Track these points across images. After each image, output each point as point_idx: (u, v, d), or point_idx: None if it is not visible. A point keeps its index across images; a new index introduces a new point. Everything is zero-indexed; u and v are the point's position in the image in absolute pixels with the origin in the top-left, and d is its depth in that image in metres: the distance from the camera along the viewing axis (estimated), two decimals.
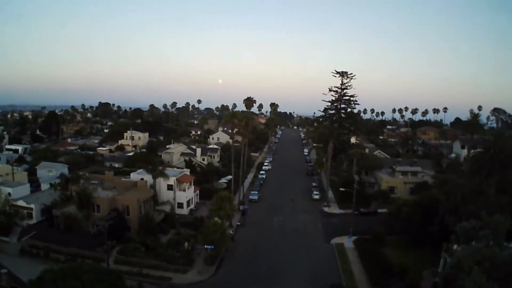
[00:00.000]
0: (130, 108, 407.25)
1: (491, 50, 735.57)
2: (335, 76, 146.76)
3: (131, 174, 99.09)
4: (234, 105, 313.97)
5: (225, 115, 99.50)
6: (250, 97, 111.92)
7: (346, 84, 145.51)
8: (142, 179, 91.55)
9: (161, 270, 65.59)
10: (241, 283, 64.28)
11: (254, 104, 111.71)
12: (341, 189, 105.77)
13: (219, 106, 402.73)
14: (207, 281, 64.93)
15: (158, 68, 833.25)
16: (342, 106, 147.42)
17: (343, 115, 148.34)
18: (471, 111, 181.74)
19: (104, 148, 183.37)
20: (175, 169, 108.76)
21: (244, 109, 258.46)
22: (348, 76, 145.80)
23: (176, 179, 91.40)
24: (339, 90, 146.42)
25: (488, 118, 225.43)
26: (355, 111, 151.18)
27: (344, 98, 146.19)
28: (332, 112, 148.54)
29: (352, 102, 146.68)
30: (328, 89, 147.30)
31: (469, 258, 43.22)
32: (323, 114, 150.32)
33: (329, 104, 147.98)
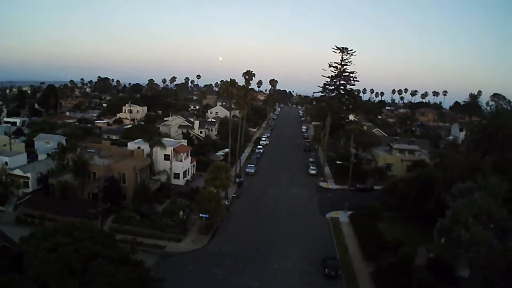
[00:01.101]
0: (130, 83, 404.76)
1: (495, 37, 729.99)
2: (335, 52, 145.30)
3: (128, 143, 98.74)
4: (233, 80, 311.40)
5: (223, 84, 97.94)
6: (249, 70, 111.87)
7: (346, 60, 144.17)
8: (139, 147, 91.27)
9: (155, 239, 65.64)
10: (235, 253, 64.36)
11: (253, 78, 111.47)
12: (337, 162, 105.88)
13: (219, 82, 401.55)
14: (200, 250, 65.14)
15: (158, 44, 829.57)
16: (342, 82, 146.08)
17: (342, 92, 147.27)
18: (471, 94, 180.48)
19: (102, 121, 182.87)
20: (173, 139, 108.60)
21: (244, 84, 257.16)
22: (349, 52, 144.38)
23: (173, 148, 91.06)
24: (339, 66, 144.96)
25: (487, 103, 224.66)
26: (355, 88, 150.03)
27: (343, 74, 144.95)
28: (331, 88, 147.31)
29: (351, 79, 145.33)
30: (328, 65, 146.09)
31: (466, 210, 42.92)
32: (322, 90, 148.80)
33: (329, 80, 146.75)
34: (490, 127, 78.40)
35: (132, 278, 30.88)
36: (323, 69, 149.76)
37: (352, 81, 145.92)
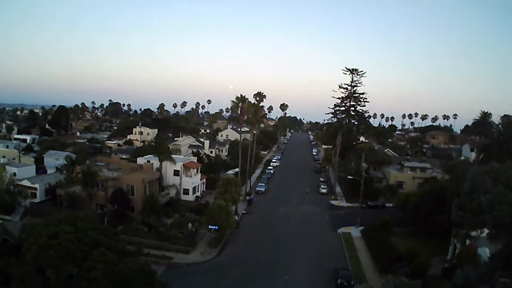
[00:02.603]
0: (140, 109, 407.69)
1: (507, 62, 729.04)
2: (345, 73, 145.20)
3: (137, 158, 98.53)
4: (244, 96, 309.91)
5: (234, 101, 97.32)
6: (260, 92, 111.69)
7: (356, 82, 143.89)
8: (148, 161, 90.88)
9: (163, 250, 64.62)
10: (244, 265, 63.14)
11: (264, 99, 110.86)
12: (349, 177, 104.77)
13: (229, 107, 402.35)
14: (209, 262, 64.05)
15: (169, 70, 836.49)
16: (352, 103, 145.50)
17: (352, 113, 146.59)
18: (482, 111, 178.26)
19: (112, 142, 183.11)
20: (182, 157, 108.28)
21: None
22: (358, 73, 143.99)
23: (183, 164, 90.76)
24: (349, 88, 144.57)
25: (498, 124, 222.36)
26: (365, 109, 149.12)
27: (354, 95, 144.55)
28: (341, 109, 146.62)
29: (361, 100, 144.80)
30: (338, 86, 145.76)
31: (484, 176, 41.29)
32: (333, 111, 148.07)
33: (339, 101, 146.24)
34: (501, 137, 77.32)
35: (134, 269, 29.92)
36: (333, 91, 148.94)
37: (362, 102, 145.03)
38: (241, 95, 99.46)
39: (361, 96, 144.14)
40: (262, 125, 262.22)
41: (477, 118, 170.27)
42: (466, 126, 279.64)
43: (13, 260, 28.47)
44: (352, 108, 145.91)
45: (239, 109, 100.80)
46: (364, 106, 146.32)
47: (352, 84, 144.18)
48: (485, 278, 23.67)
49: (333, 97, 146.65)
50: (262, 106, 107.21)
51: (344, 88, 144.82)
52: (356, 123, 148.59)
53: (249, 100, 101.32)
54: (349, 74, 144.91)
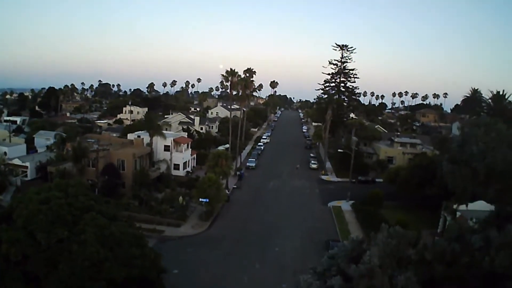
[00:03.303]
0: (130, 89, 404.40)
1: (496, 40, 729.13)
2: (335, 50, 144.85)
3: (128, 134, 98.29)
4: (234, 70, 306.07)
5: (224, 75, 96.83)
6: (250, 68, 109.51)
7: (346, 58, 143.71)
8: (138, 136, 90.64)
9: (154, 224, 64.73)
10: (235, 238, 63.65)
11: (254, 75, 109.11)
12: (339, 150, 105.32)
13: (219, 86, 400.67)
14: (200, 235, 64.49)
15: (159, 50, 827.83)
16: (342, 79, 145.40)
17: (342, 89, 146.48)
18: (472, 88, 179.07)
19: (102, 121, 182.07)
20: (173, 132, 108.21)
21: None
22: (348, 49, 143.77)
23: (173, 139, 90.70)
24: (338, 64, 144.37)
25: (488, 99, 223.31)
26: (355, 85, 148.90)
27: (344, 71, 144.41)
28: (332, 85, 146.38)
29: (352, 76, 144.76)
30: (328, 62, 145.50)
31: (476, 129, 41.43)
32: (323, 86, 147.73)
33: (329, 77, 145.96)
34: (491, 111, 77.67)
35: (125, 232, 30.09)
36: (323, 67, 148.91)
37: (353, 78, 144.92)
38: (231, 68, 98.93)
39: (351, 72, 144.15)
40: (252, 103, 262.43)
41: (468, 95, 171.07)
42: (456, 105, 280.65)
43: (3, 227, 28.50)
44: (342, 84, 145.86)
45: (229, 83, 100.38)
46: (354, 82, 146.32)
47: (342, 60, 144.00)
48: (478, 231, 24.07)
49: (323, 73, 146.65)
50: (252, 81, 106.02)
51: (334, 64, 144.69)
52: (346, 99, 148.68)
53: (239, 74, 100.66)
54: (339, 50, 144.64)
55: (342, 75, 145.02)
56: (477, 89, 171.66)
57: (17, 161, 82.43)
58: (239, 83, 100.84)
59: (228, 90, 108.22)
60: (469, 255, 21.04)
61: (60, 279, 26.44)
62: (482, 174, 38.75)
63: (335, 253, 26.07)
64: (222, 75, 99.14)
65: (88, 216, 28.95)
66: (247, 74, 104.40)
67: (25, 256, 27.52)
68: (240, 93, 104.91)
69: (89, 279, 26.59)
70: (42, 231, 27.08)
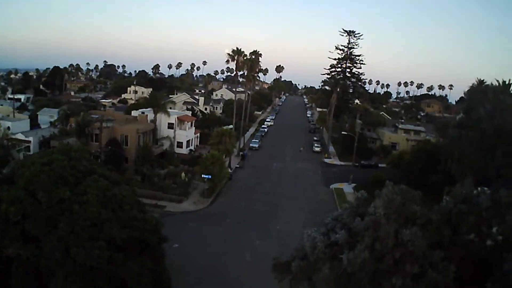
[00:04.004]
0: (135, 71, 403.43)
1: (503, 32, 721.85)
2: (342, 35, 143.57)
3: (132, 111, 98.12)
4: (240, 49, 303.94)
5: (229, 53, 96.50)
6: (256, 50, 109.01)
7: (353, 44, 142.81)
8: (142, 112, 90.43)
9: (156, 199, 64.75)
10: (237, 215, 63.88)
11: (260, 58, 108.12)
12: (343, 132, 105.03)
13: (224, 69, 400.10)
14: (202, 211, 64.68)
15: (165, 33, 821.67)
16: (348, 65, 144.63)
17: (348, 74, 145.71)
18: (477, 79, 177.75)
19: (107, 101, 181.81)
20: (177, 111, 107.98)
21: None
22: (355, 35, 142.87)
23: (177, 117, 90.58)
24: (345, 49, 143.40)
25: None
26: (361, 71, 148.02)
27: (350, 57, 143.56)
28: (338, 70, 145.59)
29: (358, 62, 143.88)
30: (334, 47, 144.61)
31: (480, 93, 41.09)
32: (329, 71, 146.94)
33: (335, 62, 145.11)
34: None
35: (128, 195, 29.94)
36: (330, 51, 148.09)
37: (359, 64, 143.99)
38: (237, 48, 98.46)
39: (357, 58, 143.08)
40: (257, 88, 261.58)
41: (472, 85, 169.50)
42: (462, 97, 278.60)
43: (4, 187, 28.32)
44: (348, 70, 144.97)
45: (235, 62, 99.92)
46: (360, 68, 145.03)
47: (349, 46, 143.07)
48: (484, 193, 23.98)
49: (329, 58, 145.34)
50: (259, 61, 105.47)
51: (340, 50, 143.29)
52: (351, 84, 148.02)
53: (245, 54, 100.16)
54: (346, 35, 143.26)
55: (349, 61, 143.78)
56: (483, 80, 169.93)
57: (20, 136, 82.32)
58: (245, 63, 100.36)
59: (234, 72, 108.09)
60: (477, 214, 20.89)
61: (59, 238, 26.31)
62: (490, 136, 38.19)
63: (339, 214, 25.90)
64: (228, 53, 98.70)
65: (90, 178, 28.78)
66: (253, 56, 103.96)
67: (24, 216, 27.39)
68: (245, 74, 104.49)
69: (89, 238, 26.41)
70: (44, 190, 26.85)
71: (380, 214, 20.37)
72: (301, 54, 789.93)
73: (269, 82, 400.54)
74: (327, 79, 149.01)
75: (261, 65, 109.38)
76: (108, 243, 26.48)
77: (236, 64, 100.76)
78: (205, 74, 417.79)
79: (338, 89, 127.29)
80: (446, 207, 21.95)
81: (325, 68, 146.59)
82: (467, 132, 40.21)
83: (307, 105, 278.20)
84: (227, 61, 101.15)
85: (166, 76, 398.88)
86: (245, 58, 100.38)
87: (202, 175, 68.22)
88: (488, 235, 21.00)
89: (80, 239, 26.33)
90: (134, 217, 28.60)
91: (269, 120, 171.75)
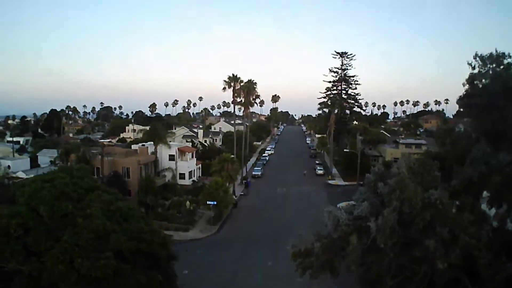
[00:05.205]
0: (132, 112, 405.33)
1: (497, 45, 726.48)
2: (335, 57, 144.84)
3: (132, 145, 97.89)
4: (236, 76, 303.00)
5: (226, 80, 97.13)
6: (251, 79, 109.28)
7: (346, 65, 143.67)
8: (143, 145, 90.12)
9: (161, 229, 63.81)
10: (245, 240, 63.14)
11: (255, 86, 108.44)
12: (345, 150, 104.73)
13: (221, 103, 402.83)
14: (209, 238, 63.95)
15: (160, 72, 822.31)
16: (343, 86, 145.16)
17: (344, 96, 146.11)
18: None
19: (106, 141, 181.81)
20: (177, 143, 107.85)
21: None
22: (348, 56, 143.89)
23: (178, 148, 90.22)
24: (339, 71, 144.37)
25: None
26: (356, 91, 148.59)
27: (345, 78, 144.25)
28: (334, 92, 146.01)
29: (353, 83, 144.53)
30: (328, 70, 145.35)
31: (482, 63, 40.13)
32: (325, 94, 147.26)
33: (330, 85, 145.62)
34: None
35: (132, 209, 29.32)
36: (324, 75, 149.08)
37: (354, 85, 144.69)
38: (233, 74, 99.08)
39: (351, 78, 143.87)
40: (254, 120, 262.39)
41: (465, 92, 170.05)
42: (458, 111, 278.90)
43: (5, 205, 27.70)
44: (344, 92, 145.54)
45: (232, 88, 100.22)
46: (356, 89, 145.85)
47: (343, 67, 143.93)
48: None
49: (324, 81, 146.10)
50: (255, 88, 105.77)
51: (334, 72, 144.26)
52: (348, 106, 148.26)
53: (242, 80, 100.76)
54: (339, 57, 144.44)
55: (343, 82, 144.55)
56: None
57: (21, 174, 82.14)
58: (242, 89, 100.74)
59: (230, 106, 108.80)
60: (501, 172, 20.42)
61: (63, 250, 25.39)
62: (500, 95, 36.87)
63: (358, 193, 25.67)
64: (225, 81, 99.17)
65: (94, 194, 28.15)
66: (249, 85, 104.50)
67: (26, 230, 26.55)
68: (243, 101, 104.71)
69: (94, 250, 25.57)
70: (45, 205, 26.12)
71: (405, 174, 19.85)
72: (296, 85, 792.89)
73: (266, 114, 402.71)
74: (324, 102, 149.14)
75: (257, 93, 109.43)
76: (115, 255, 25.65)
77: (233, 91, 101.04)
78: (201, 111, 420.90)
79: (336, 111, 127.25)
80: (466, 171, 21.54)
81: (320, 92, 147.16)
82: (476, 99, 39.25)
83: (306, 133, 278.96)
84: (224, 89, 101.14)
85: (163, 114, 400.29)
86: (241, 84, 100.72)
87: (207, 202, 67.58)
88: None
89: (85, 251, 25.49)
90: (141, 229, 27.84)
91: (269, 149, 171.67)
